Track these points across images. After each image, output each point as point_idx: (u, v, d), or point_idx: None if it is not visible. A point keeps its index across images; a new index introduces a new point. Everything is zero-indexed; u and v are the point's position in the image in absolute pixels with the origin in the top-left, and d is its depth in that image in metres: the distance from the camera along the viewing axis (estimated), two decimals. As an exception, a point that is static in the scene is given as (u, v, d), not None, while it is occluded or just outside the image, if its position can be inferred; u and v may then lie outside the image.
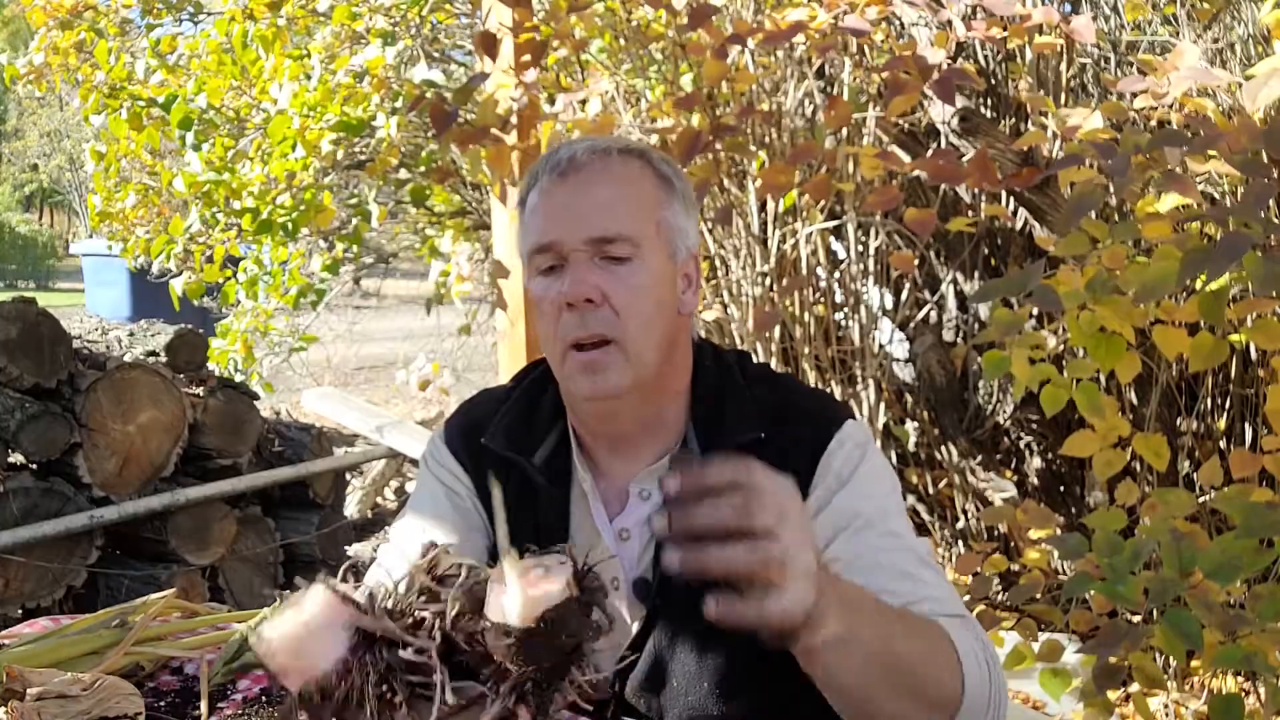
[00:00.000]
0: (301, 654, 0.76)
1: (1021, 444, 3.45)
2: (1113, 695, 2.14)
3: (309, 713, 0.77)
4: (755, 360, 1.35)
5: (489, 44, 2.73)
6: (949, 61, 2.30)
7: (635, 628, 1.22)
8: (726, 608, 0.79)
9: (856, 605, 0.90)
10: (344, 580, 0.81)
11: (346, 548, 3.97)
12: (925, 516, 3.61)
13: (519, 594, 0.75)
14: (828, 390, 3.31)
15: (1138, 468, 2.62)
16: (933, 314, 3.49)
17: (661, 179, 1.23)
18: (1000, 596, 3.07)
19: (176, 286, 4.71)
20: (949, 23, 2.42)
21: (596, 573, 0.79)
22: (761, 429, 1.21)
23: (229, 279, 4.86)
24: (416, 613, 0.77)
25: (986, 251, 3.40)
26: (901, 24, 2.97)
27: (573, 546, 0.80)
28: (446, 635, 0.76)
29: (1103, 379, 2.73)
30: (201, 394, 3.39)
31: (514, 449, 1.27)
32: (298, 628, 0.76)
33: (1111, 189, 2.13)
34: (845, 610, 0.87)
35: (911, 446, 3.47)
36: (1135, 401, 3.02)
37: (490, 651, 0.75)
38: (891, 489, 1.22)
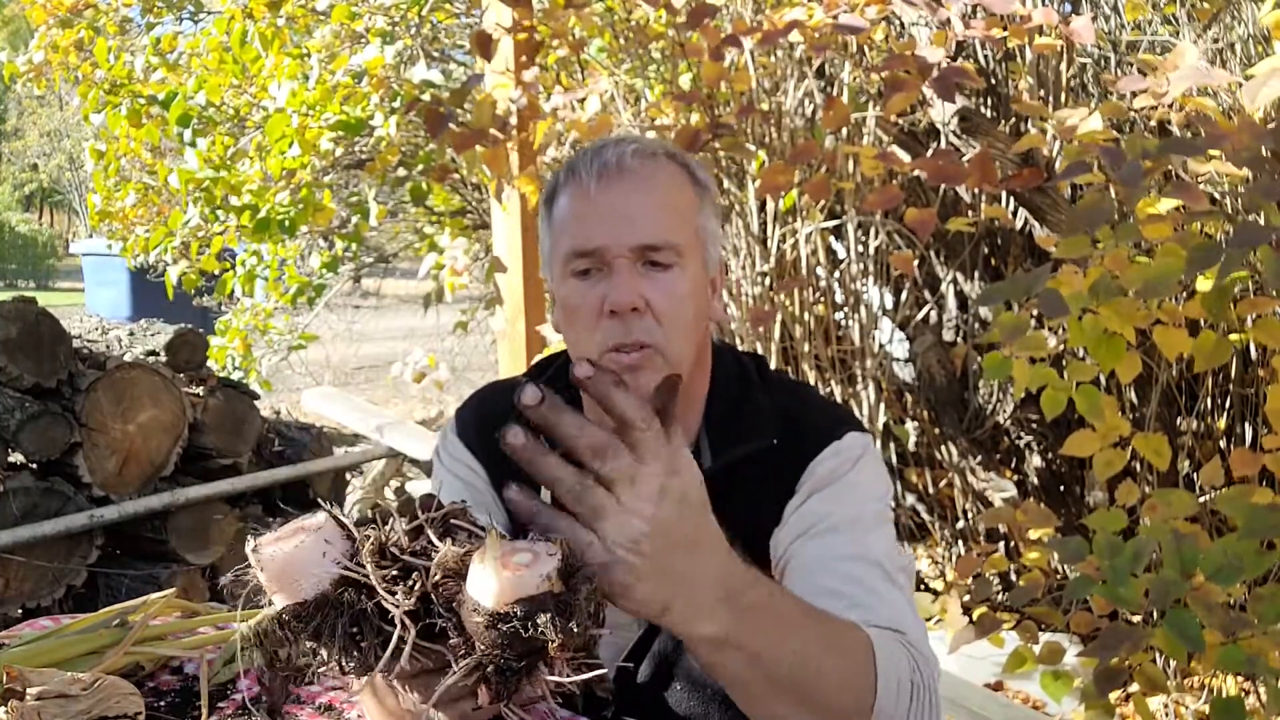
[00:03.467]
0: (288, 576, 0.75)
1: (1021, 444, 3.45)
2: (1113, 695, 2.14)
3: (286, 633, 0.76)
4: (772, 367, 1.33)
5: (484, 44, 2.73)
6: (948, 60, 2.30)
7: (639, 633, 1.22)
8: (527, 499, 0.75)
9: (749, 606, 0.83)
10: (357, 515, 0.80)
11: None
12: (925, 516, 3.61)
13: (494, 575, 0.72)
14: (828, 390, 3.31)
15: (1138, 468, 2.62)
16: (933, 314, 3.49)
17: (697, 185, 1.21)
18: (1001, 597, 3.07)
19: (172, 275, 4.70)
20: (948, 22, 2.42)
21: (587, 573, 0.75)
22: (774, 437, 1.19)
23: (226, 271, 4.86)
24: (407, 560, 0.75)
25: (987, 251, 3.40)
26: (902, 24, 2.97)
27: (569, 542, 0.75)
28: (426, 595, 0.74)
29: (1103, 379, 2.73)
30: (201, 393, 3.39)
31: None
32: (293, 549, 0.75)
33: (1113, 192, 2.12)
34: (730, 613, 0.81)
35: (911, 446, 3.47)
36: (1135, 401, 3.02)
37: (462, 623, 0.73)
38: (874, 499, 1.18)
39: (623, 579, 0.76)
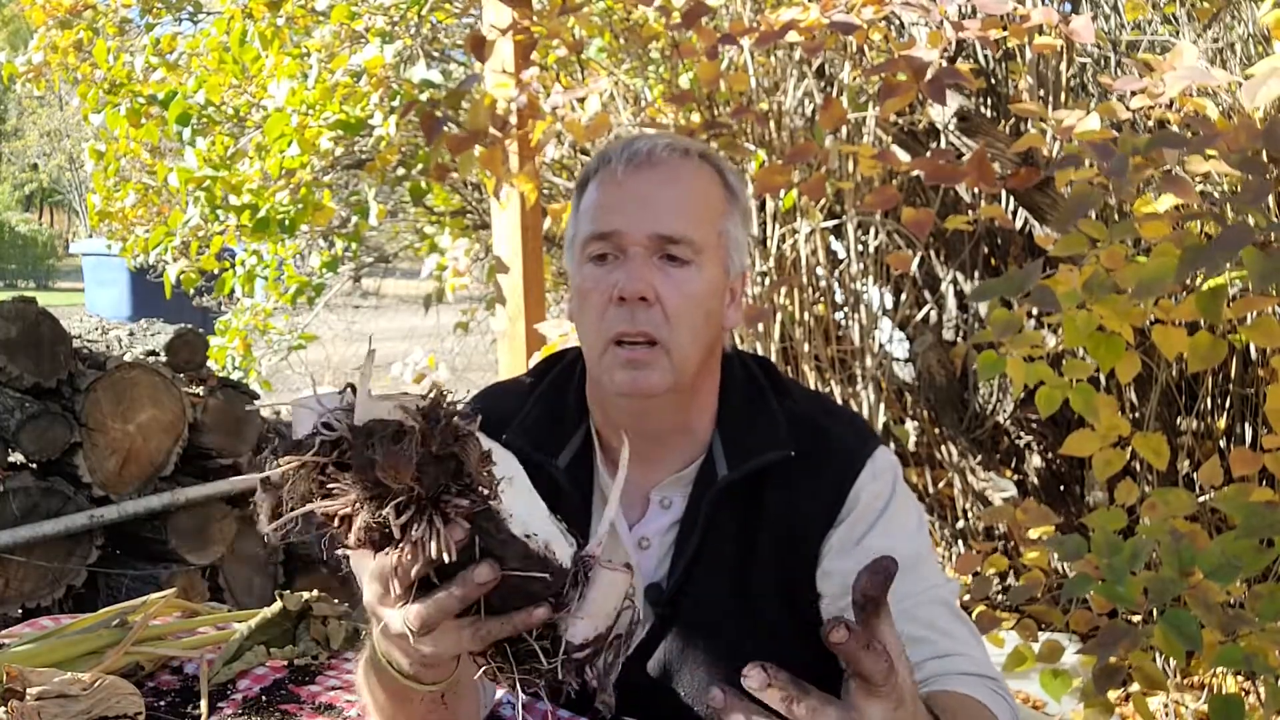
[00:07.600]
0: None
1: (1021, 443, 3.46)
2: (1112, 695, 2.14)
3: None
4: (780, 372, 1.33)
5: (478, 46, 2.73)
6: (945, 61, 2.30)
7: (644, 634, 1.21)
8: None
9: None
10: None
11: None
12: (925, 516, 3.61)
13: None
14: (828, 390, 3.31)
15: (1138, 467, 2.62)
16: (933, 314, 3.49)
17: (728, 190, 1.21)
18: (1000, 596, 3.07)
19: (171, 274, 4.69)
20: (942, 23, 2.42)
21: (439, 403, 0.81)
22: (790, 446, 1.19)
23: (225, 270, 4.86)
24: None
25: (986, 251, 3.40)
26: (901, 24, 2.97)
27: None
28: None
29: (1103, 378, 2.73)
30: (201, 393, 3.39)
31: (538, 449, 1.23)
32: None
33: (1111, 189, 2.13)
34: None
35: (911, 446, 3.47)
36: (1135, 401, 3.02)
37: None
38: (919, 525, 1.21)
39: None
